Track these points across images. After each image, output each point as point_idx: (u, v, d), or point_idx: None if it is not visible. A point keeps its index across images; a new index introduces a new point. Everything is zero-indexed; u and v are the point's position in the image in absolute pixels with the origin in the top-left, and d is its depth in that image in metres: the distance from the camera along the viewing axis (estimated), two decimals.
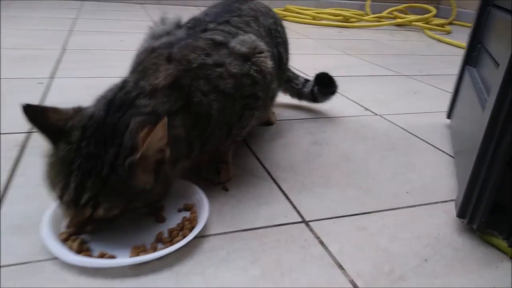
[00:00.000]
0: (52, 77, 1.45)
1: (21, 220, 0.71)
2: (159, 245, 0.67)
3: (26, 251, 0.64)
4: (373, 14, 3.69)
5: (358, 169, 0.97)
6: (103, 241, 0.67)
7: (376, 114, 1.35)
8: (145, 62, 0.75)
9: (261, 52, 0.86)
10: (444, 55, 2.49)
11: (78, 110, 0.65)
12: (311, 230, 0.73)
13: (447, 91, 1.64)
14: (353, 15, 3.49)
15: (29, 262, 0.62)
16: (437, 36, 3.05)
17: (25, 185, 0.81)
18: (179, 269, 0.62)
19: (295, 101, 1.35)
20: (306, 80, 1.31)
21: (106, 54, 1.83)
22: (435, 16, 3.61)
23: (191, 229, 0.69)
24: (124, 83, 0.71)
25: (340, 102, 1.41)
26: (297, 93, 1.32)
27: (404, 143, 1.14)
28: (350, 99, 1.48)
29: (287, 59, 1.11)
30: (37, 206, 0.74)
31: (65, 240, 0.65)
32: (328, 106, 1.34)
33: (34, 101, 1.20)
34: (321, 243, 0.70)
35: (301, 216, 0.77)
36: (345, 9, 3.82)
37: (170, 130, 0.65)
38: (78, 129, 0.62)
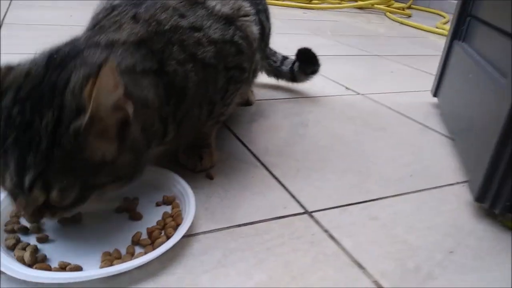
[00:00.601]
0: None
1: None
2: (137, 249, 0.53)
3: None
4: None
5: (353, 152, 0.88)
6: (63, 247, 0.53)
7: (359, 94, 1.26)
8: (103, 22, 0.60)
9: (246, 15, 0.72)
10: (410, 37, 2.47)
11: (9, 68, 0.49)
12: (317, 222, 0.63)
13: (423, 71, 1.60)
14: None
15: None
16: (400, 19, 3.04)
17: None
18: (166, 279, 0.50)
19: (271, 81, 1.22)
20: (284, 57, 1.19)
21: (53, 30, 1.61)
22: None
23: (176, 227, 0.56)
24: (72, 39, 0.57)
25: (318, 81, 1.30)
26: (275, 72, 1.19)
27: (395, 123, 1.06)
28: (328, 78, 1.38)
29: (269, 28, 0.98)
30: None
31: (11, 247, 0.50)
32: (307, 85, 1.23)
33: None
34: (332, 237, 0.60)
35: (303, 206, 0.66)
36: None
37: (136, 88, 0.52)
38: (11, 89, 0.47)
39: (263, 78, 1.22)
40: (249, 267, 0.53)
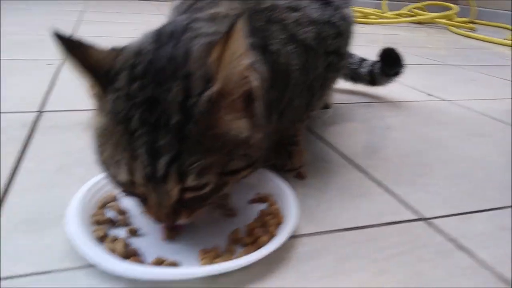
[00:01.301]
0: (62, 59, 1.25)
1: (35, 214, 0.50)
2: (238, 248, 0.46)
3: (46, 255, 0.43)
4: (390, 12, 3.53)
5: (455, 157, 0.77)
6: (154, 242, 0.47)
7: (444, 100, 1.15)
8: (196, 4, 0.56)
9: None
10: (479, 49, 2.31)
11: (119, 50, 0.44)
12: (439, 230, 0.53)
13: (505, 79, 1.46)
14: (373, 13, 3.32)
15: (52, 271, 0.41)
16: (465, 32, 2.88)
17: (38, 170, 0.61)
18: (275, 282, 0.42)
19: (345, 85, 1.14)
20: (362, 59, 1.10)
21: (119, 41, 1.64)
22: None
23: (277, 225, 0.49)
24: (169, 21, 0.52)
25: (396, 87, 1.20)
26: (352, 74, 1.10)
27: (493, 129, 0.94)
28: (405, 85, 1.28)
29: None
30: (56, 195, 0.54)
31: (101, 239, 0.45)
32: (384, 91, 1.14)
33: (44, 81, 1.01)
34: (462, 248, 0.50)
35: (416, 212, 0.57)
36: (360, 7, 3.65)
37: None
38: (124, 69, 0.41)
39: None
40: (372, 276, 0.44)
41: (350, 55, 1.10)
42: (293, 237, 0.49)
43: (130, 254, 0.43)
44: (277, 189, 0.56)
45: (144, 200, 0.43)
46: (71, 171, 0.61)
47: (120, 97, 0.40)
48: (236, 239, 0.47)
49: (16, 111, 0.82)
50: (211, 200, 0.44)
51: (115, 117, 0.40)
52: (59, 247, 0.45)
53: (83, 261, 0.42)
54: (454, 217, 0.56)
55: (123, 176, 0.40)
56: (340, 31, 0.63)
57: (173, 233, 0.47)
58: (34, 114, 0.81)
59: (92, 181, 0.53)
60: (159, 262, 0.42)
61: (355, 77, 1.10)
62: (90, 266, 0.42)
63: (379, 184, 0.64)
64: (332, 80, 0.66)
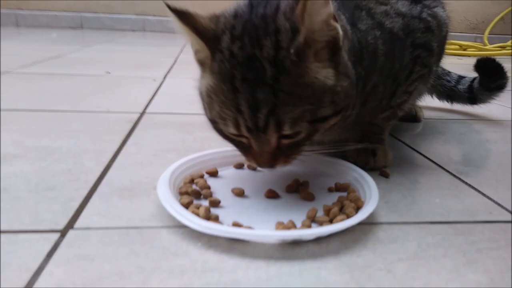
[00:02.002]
0: (164, 77, 1.39)
1: (131, 184, 0.55)
2: (314, 225, 0.46)
3: (136, 215, 0.47)
4: (492, 44, 3.29)
5: None
6: (234, 213, 0.48)
7: None
8: None
9: None
10: None
11: (216, 16, 0.48)
12: None
13: None
14: (471, 46, 3.13)
15: (140, 227, 0.45)
16: None
17: (136, 153, 0.67)
18: (351, 260, 0.40)
19: (441, 105, 1.08)
20: (461, 77, 1.03)
21: None
22: None
23: (356, 210, 0.47)
24: None
25: (495, 107, 1.10)
26: (449, 93, 1.02)
27: None
28: (508, 107, 1.17)
29: (446, 32, 0.86)
30: (150, 172, 0.59)
31: (186, 205, 0.48)
32: (485, 109, 1.05)
33: (148, 92, 1.13)
34: None
35: None
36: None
37: (338, 18, 0.47)
38: (225, 32, 0.45)
39: (432, 101, 1.08)
40: (458, 264, 0.40)
41: (448, 73, 1.04)
42: (372, 223, 0.47)
43: (210, 218, 0.45)
44: (358, 178, 0.55)
45: (248, 149, 0.48)
46: (164, 156, 0.66)
47: (225, 58, 0.44)
48: (312, 217, 0.47)
49: (123, 111, 0.92)
50: (304, 146, 0.48)
51: (221, 77, 0.44)
52: (147, 210, 0.49)
53: (167, 221, 0.45)
54: None
55: (230, 129, 0.46)
56: (430, 26, 0.62)
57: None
58: (137, 115, 0.90)
59: (181, 160, 0.57)
60: (236, 225, 0.44)
61: (452, 95, 1.03)
62: (172, 226, 0.45)
63: (472, 187, 0.59)
64: (419, 76, 0.64)
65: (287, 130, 0.44)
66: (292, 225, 0.44)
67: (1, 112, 0.85)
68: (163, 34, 3.18)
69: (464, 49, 3.14)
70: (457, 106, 1.06)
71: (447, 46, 2.70)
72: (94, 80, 1.27)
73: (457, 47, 3.18)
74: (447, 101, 1.05)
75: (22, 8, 3.19)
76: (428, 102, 1.07)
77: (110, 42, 2.41)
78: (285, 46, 0.42)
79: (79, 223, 0.45)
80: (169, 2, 0.45)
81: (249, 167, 0.60)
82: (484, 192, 0.58)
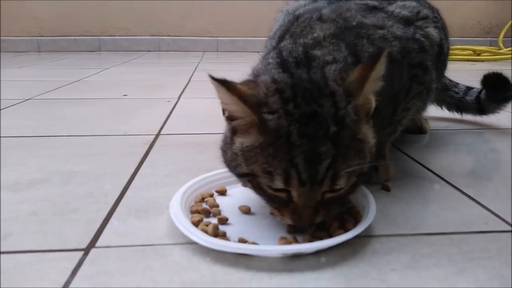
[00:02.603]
0: (178, 97, 1.45)
1: (146, 205, 0.60)
2: (314, 240, 0.49)
3: (151, 233, 0.52)
4: (507, 48, 3.26)
5: None
6: (241, 230, 0.52)
7: None
8: (292, 29, 0.63)
9: (425, 18, 0.69)
10: None
11: (253, 82, 0.51)
12: None
13: None
14: (485, 50, 3.12)
15: (154, 245, 0.49)
16: None
17: (151, 175, 0.72)
18: (347, 271, 0.44)
19: (451, 115, 1.09)
20: (469, 88, 1.05)
21: None
22: None
23: (354, 223, 0.51)
24: (278, 49, 0.58)
25: (505, 116, 1.12)
26: (457, 104, 1.05)
27: None
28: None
29: (448, 48, 0.90)
30: (164, 192, 0.63)
31: (196, 223, 0.52)
32: (493, 118, 1.06)
33: (163, 113, 1.18)
34: None
35: (511, 225, 0.53)
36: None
37: None
38: (272, 95, 0.47)
39: (439, 112, 1.11)
40: (449, 273, 0.43)
41: (455, 84, 1.07)
42: (371, 236, 0.50)
43: (218, 234, 0.49)
44: (360, 195, 0.58)
45: (284, 203, 0.48)
46: (178, 176, 0.71)
47: (281, 116, 0.45)
48: (313, 231, 0.50)
49: (140, 133, 0.97)
50: (343, 200, 0.50)
51: (276, 134, 0.45)
52: (161, 228, 0.53)
53: (179, 239, 0.49)
54: None
55: (277, 183, 0.45)
56: (423, 46, 0.66)
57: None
58: (153, 137, 0.95)
59: (193, 180, 0.61)
60: (242, 241, 0.48)
61: (461, 106, 1.05)
62: (184, 243, 0.49)
63: (471, 198, 0.62)
64: (417, 93, 0.67)
65: (341, 184, 0.46)
66: (294, 240, 0.48)
67: (26, 139, 0.91)
68: (177, 53, 3.28)
69: (478, 54, 3.12)
70: (468, 116, 1.07)
71: (459, 52, 2.69)
72: (112, 104, 1.34)
73: (470, 52, 3.16)
74: (457, 112, 1.07)
75: (43, 35, 3.33)
76: (439, 113, 1.10)
77: (126, 64, 2.51)
78: (343, 107, 0.46)
79: (100, 242, 0.50)
80: (212, 73, 0.47)
81: None
82: (483, 203, 0.60)
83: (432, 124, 1.04)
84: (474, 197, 0.62)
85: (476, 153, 0.86)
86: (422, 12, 0.70)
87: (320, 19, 0.62)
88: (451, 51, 2.90)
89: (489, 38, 3.80)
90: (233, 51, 3.47)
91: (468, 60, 2.97)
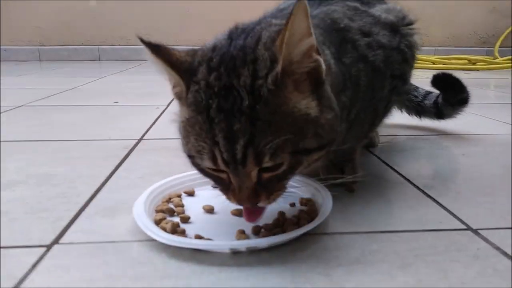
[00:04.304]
0: (167, 105, 1.47)
1: (116, 204, 0.62)
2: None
3: (114, 231, 0.54)
4: (503, 57, 3.27)
5: None
6: (201, 228, 0.54)
7: None
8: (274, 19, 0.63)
9: (410, 24, 0.71)
10: None
11: (194, 50, 0.49)
12: (485, 239, 0.50)
13: None
14: (481, 60, 3.13)
15: (115, 242, 0.51)
16: None
17: (125, 178, 0.74)
18: (296, 266, 0.45)
19: (419, 122, 1.09)
20: (428, 92, 1.05)
21: None
22: None
23: (309, 220, 0.52)
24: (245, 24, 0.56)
25: (476, 119, 1.11)
26: (416, 108, 1.04)
27: None
28: (495, 120, 1.19)
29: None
30: (134, 194, 0.65)
31: (158, 222, 0.54)
32: (467, 126, 1.07)
33: (150, 119, 1.21)
34: (505, 254, 0.47)
35: (464, 223, 0.55)
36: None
37: (322, 52, 0.50)
38: (202, 63, 0.46)
39: (399, 118, 1.10)
40: (392, 268, 0.44)
41: (415, 88, 1.06)
42: (325, 233, 0.52)
43: (177, 231, 0.51)
44: (318, 194, 0.59)
45: (227, 185, 0.46)
46: (151, 179, 0.72)
47: (200, 88, 0.44)
48: (269, 228, 0.52)
49: (123, 138, 1.00)
50: (287, 180, 0.47)
51: (196, 108, 0.44)
52: (125, 226, 0.54)
53: (139, 236, 0.51)
54: (504, 230, 0.53)
55: (206, 163, 0.44)
56: (406, 58, 0.67)
57: (255, 215, 0.49)
58: (135, 141, 0.97)
59: (161, 181, 0.63)
60: (198, 237, 0.49)
61: (420, 110, 1.05)
62: (143, 240, 0.50)
63: (432, 199, 0.63)
64: (394, 103, 0.69)
65: (267, 162, 0.42)
66: (247, 237, 0.49)
67: (10, 143, 0.94)
68: None
69: (473, 64, 3.14)
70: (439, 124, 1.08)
71: (455, 61, 2.69)
72: (102, 110, 1.36)
73: (466, 61, 3.18)
74: (416, 116, 1.06)
75: (45, 44, 3.39)
76: (408, 120, 1.10)
77: (124, 72, 2.55)
78: (262, 75, 0.42)
79: (64, 239, 0.52)
80: (143, 36, 0.46)
81: None
82: (441, 203, 0.61)
83: (401, 131, 1.06)
84: (435, 197, 0.63)
85: (445, 157, 0.87)
86: (407, 18, 0.71)
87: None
88: (447, 60, 2.90)
89: (485, 48, 3.82)
90: None
91: (463, 69, 2.99)
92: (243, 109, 0.42)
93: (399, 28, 0.68)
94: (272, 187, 0.46)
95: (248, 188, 0.44)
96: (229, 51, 0.46)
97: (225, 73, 0.43)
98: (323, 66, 0.46)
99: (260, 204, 0.47)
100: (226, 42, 0.48)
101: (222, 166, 0.44)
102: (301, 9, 0.40)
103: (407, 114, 1.07)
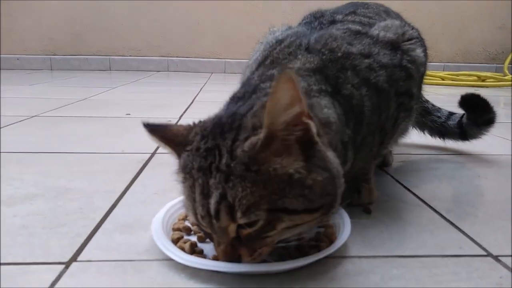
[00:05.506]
0: (179, 117, 1.49)
1: (133, 221, 0.62)
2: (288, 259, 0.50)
3: (132, 249, 0.54)
4: None
5: None
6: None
7: None
8: (274, 54, 0.65)
9: (410, 39, 0.70)
10: None
11: (198, 122, 0.52)
12: (506, 266, 0.50)
13: None
14: (490, 76, 3.13)
15: (133, 260, 0.51)
16: None
17: (141, 192, 0.74)
18: None
19: (434, 142, 1.09)
20: (451, 113, 1.05)
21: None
22: None
23: (329, 244, 0.52)
24: (246, 80, 0.62)
25: (486, 138, 1.09)
26: (440, 129, 1.04)
27: None
28: (507, 139, 1.19)
29: (424, 70, 0.80)
30: (151, 210, 0.65)
31: (175, 241, 0.54)
32: (480, 146, 1.06)
33: None
34: None
35: (484, 249, 0.54)
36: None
37: (316, 108, 0.52)
38: (198, 132, 0.49)
39: (421, 138, 1.10)
40: None
41: (438, 109, 1.06)
42: (344, 257, 0.52)
43: (195, 252, 0.51)
44: (337, 216, 0.59)
45: (205, 232, 0.49)
46: (166, 194, 0.73)
47: (189, 154, 0.47)
48: (289, 254, 0.51)
49: (137, 152, 1.00)
50: (271, 239, 0.45)
51: (184, 170, 0.47)
52: (142, 244, 0.55)
53: (158, 255, 0.51)
54: None
55: (191, 218, 0.48)
56: (410, 73, 0.67)
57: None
58: (149, 155, 0.98)
59: (178, 199, 0.63)
60: (217, 259, 0.49)
61: (443, 131, 1.04)
62: (162, 259, 0.50)
63: (450, 222, 0.62)
64: (403, 119, 0.68)
65: (241, 218, 0.42)
66: (267, 261, 0.49)
67: (25, 154, 0.95)
68: (186, 73, 3.35)
69: (483, 80, 3.14)
70: (454, 145, 1.08)
71: (464, 78, 2.69)
72: (114, 122, 1.38)
73: (475, 78, 3.18)
74: (439, 138, 1.05)
75: (57, 54, 3.44)
76: (422, 140, 1.10)
77: (134, 83, 2.57)
78: (242, 138, 0.44)
79: (82, 256, 0.52)
80: (146, 120, 0.54)
81: None
82: (459, 227, 0.61)
83: (417, 150, 1.05)
84: (453, 221, 0.63)
85: (461, 178, 0.86)
86: (407, 33, 0.70)
87: (307, 48, 0.63)
88: (456, 77, 2.89)
89: (494, 65, 3.82)
90: (240, 72, 3.52)
91: (473, 86, 2.98)
92: (220, 166, 0.44)
93: (400, 44, 0.68)
94: (253, 244, 0.45)
95: (225, 244, 0.46)
96: (220, 119, 0.49)
97: (211, 136, 0.47)
98: (314, 130, 0.45)
99: (244, 261, 0.46)
100: (222, 111, 0.52)
101: (200, 221, 0.46)
102: (285, 81, 0.41)
103: (430, 136, 1.05)
